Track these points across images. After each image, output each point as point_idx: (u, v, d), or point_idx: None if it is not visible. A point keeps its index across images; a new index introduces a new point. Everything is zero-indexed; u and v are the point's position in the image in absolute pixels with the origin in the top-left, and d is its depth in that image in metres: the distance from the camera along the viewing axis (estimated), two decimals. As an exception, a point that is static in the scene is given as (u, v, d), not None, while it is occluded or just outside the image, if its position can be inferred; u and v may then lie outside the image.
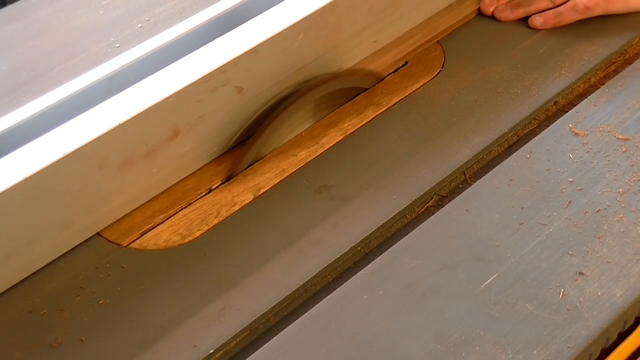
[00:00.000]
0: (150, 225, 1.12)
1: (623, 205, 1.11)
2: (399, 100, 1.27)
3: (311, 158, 1.20)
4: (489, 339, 0.98)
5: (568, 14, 1.36)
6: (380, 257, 1.07)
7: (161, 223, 1.12)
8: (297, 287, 1.05)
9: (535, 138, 1.21)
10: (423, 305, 1.02)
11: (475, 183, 1.16)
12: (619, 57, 1.34)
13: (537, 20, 1.37)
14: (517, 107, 1.25)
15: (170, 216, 1.13)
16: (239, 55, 1.13)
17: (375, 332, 1.00)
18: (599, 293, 1.02)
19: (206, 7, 1.25)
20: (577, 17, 1.36)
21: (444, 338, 0.99)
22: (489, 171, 1.17)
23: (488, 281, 1.04)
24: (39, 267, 1.06)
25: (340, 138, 1.23)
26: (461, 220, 1.11)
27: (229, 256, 1.09)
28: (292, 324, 1.01)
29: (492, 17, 1.39)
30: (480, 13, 1.40)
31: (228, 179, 1.18)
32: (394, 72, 1.32)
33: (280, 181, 1.17)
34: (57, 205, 1.03)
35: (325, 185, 1.16)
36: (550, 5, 1.37)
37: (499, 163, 1.18)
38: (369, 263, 1.07)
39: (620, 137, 1.20)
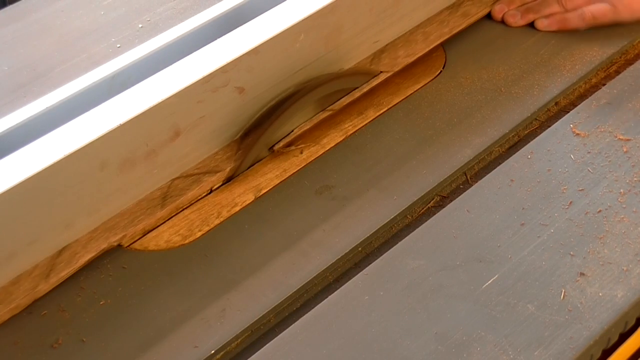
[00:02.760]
0: (151, 226, 1.11)
1: (624, 205, 1.11)
2: (400, 101, 1.27)
3: (312, 158, 1.20)
4: (490, 340, 0.98)
5: (574, 21, 1.35)
6: (381, 257, 1.07)
7: (162, 224, 1.12)
8: (298, 287, 1.05)
9: (537, 138, 1.21)
10: (424, 305, 1.02)
11: (477, 183, 1.16)
12: (620, 57, 1.34)
13: (542, 22, 1.36)
14: (518, 107, 1.25)
15: (171, 217, 1.13)
16: (240, 56, 1.13)
17: (376, 332, 1.00)
18: (600, 294, 1.02)
19: (207, 8, 1.24)
20: (582, 25, 1.35)
21: (445, 339, 0.98)
22: (490, 172, 1.17)
23: (489, 282, 1.04)
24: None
25: (341, 138, 1.22)
26: (462, 221, 1.11)
27: (230, 257, 1.09)
28: (293, 325, 1.01)
29: (502, 22, 1.39)
30: (484, 16, 1.40)
31: (229, 179, 1.17)
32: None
33: (281, 182, 1.17)
34: (57, 206, 1.03)
35: (326, 185, 1.16)
36: (561, 9, 1.36)
37: (500, 163, 1.18)
38: (370, 264, 1.07)
39: (621, 137, 1.20)
